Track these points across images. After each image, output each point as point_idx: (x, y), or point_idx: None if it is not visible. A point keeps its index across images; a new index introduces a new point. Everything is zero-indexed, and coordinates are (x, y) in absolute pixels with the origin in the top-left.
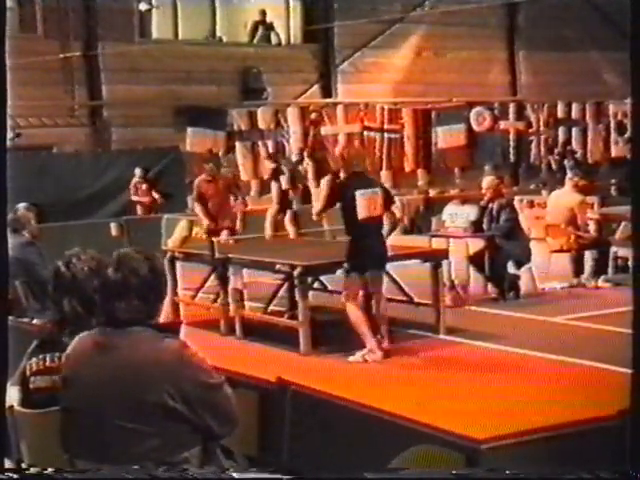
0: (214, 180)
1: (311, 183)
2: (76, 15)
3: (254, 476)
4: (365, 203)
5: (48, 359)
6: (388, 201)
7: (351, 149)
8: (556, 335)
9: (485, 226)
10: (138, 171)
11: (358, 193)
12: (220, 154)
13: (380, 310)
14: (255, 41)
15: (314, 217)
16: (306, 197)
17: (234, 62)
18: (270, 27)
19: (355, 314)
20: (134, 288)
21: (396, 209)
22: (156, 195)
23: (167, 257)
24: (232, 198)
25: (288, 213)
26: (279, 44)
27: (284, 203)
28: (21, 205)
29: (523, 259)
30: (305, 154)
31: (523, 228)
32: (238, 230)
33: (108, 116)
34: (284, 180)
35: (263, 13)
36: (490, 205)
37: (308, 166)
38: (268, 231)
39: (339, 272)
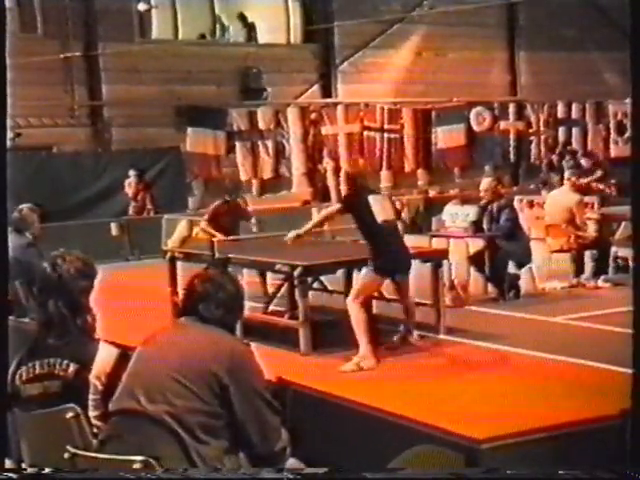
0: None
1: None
2: (76, 15)
3: (255, 475)
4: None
5: (37, 367)
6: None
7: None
8: (556, 335)
9: (485, 226)
10: (132, 172)
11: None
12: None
13: (409, 311)
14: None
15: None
16: None
17: (234, 62)
18: (252, 28)
19: (358, 314)
20: (217, 299)
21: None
22: (147, 203)
23: (167, 257)
24: None
25: None
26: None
27: None
28: (25, 205)
29: (523, 259)
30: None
31: (523, 228)
32: None
33: (108, 116)
34: None
35: (242, 16)
36: (490, 206)
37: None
38: None
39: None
